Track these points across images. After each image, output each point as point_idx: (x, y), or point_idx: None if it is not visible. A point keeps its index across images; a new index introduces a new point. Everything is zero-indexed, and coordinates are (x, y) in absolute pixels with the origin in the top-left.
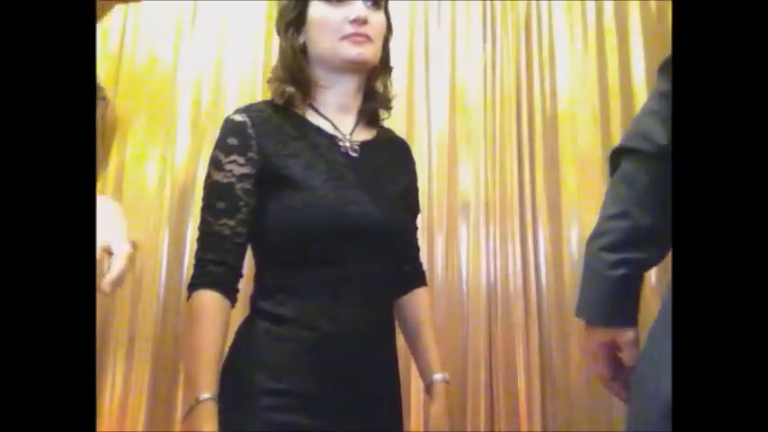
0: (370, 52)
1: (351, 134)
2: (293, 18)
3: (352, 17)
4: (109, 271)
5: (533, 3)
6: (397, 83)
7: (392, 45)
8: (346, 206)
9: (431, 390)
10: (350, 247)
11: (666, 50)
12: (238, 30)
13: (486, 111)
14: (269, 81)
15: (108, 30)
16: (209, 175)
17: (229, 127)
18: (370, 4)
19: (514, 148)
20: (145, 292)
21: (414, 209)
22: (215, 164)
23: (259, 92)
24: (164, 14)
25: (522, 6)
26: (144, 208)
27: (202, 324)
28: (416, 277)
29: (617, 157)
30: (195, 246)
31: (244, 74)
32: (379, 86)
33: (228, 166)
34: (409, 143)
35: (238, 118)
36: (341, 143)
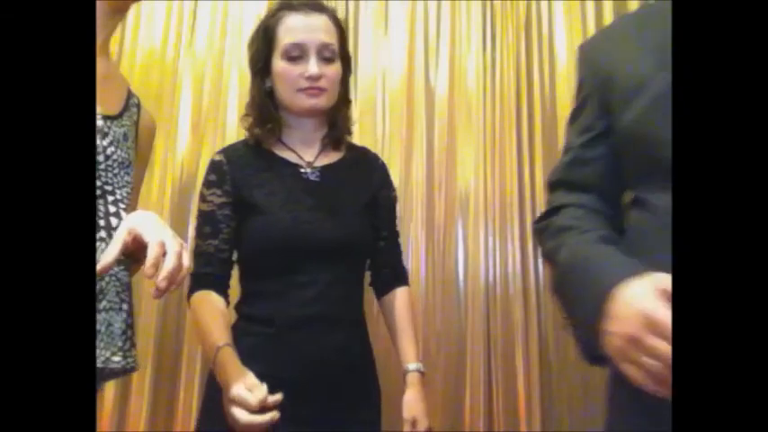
0: (323, 102)
1: (314, 161)
2: (260, 68)
3: (306, 75)
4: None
5: (533, 3)
6: (398, 83)
7: (392, 45)
8: (300, 225)
9: (406, 379)
10: (304, 259)
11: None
12: (239, 29)
13: (486, 111)
14: (243, 117)
15: None
16: (198, 207)
17: (210, 166)
18: (323, 59)
19: (514, 147)
20: (146, 292)
21: (386, 217)
22: (201, 197)
23: None
24: (164, 14)
25: (522, 6)
26: (144, 208)
27: (203, 307)
28: (396, 278)
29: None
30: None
31: (244, 73)
32: (341, 116)
33: (210, 198)
34: (409, 143)
35: (217, 158)
36: (302, 170)
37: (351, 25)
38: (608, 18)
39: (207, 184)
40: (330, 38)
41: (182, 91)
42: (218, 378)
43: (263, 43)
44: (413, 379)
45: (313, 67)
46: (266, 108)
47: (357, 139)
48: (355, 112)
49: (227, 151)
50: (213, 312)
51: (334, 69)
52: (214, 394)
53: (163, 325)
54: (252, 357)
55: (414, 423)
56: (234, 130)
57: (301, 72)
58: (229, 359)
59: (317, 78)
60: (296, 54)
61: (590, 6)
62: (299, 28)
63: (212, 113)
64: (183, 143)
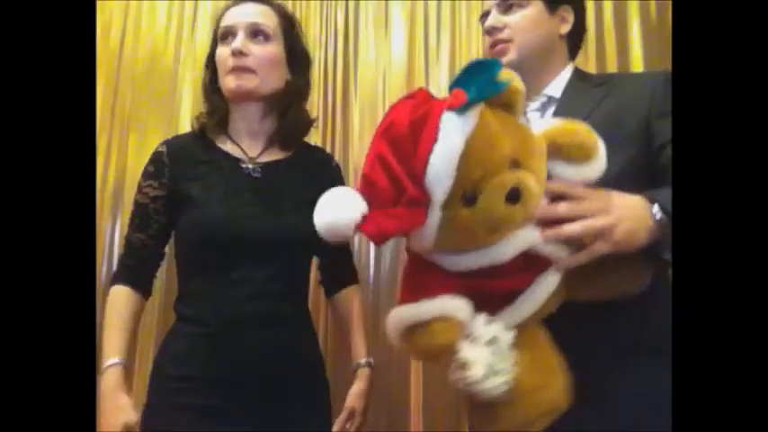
0: (250, 83)
1: (258, 157)
2: (207, 58)
3: (231, 50)
4: None
5: None
6: (398, 83)
7: (392, 45)
8: (237, 221)
9: (355, 372)
10: (240, 255)
11: (666, 51)
12: None
13: None
14: (195, 117)
15: (108, 28)
16: (134, 196)
17: (151, 156)
18: (253, 38)
19: None
20: None
21: None
22: (138, 187)
23: None
24: (164, 13)
25: None
26: None
27: (110, 310)
28: (347, 277)
29: None
30: None
31: None
32: (292, 111)
33: (145, 190)
34: None
35: (159, 149)
36: (243, 165)
37: (351, 25)
38: (608, 18)
39: (145, 175)
40: (263, 20)
41: (182, 91)
42: (101, 393)
43: (212, 38)
44: (362, 374)
45: (237, 42)
46: (212, 98)
47: (357, 139)
48: (355, 112)
49: (170, 143)
50: (118, 317)
51: (267, 50)
52: (148, 416)
53: (164, 326)
54: (187, 359)
55: (350, 414)
56: None
57: (230, 50)
58: (107, 385)
59: (238, 53)
60: (226, 37)
61: (590, 7)
62: (232, 14)
63: None
64: None
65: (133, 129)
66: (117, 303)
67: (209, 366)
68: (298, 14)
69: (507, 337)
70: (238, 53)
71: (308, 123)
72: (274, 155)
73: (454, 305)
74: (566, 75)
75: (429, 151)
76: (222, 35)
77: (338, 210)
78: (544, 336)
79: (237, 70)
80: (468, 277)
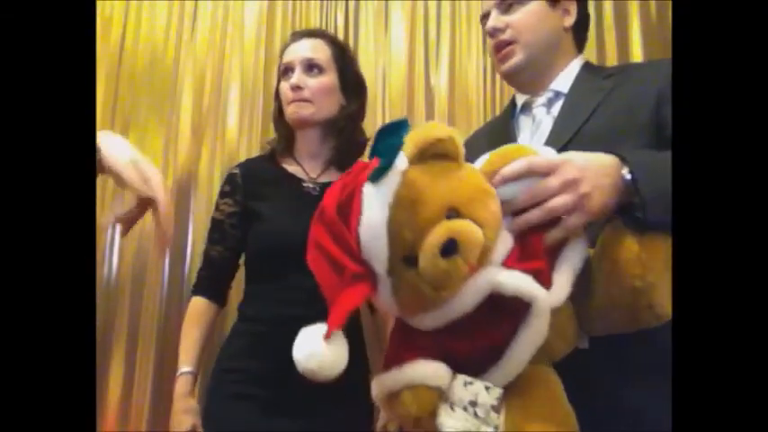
0: (307, 112)
1: (318, 177)
2: (275, 92)
3: (290, 85)
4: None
5: None
6: (398, 83)
7: (392, 44)
8: (294, 233)
9: None
10: (290, 263)
11: (666, 50)
12: (239, 29)
13: (486, 111)
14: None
15: (108, 28)
16: (212, 214)
17: (227, 178)
18: (307, 72)
19: None
20: (147, 290)
21: None
22: (215, 204)
23: (260, 90)
24: (164, 13)
25: None
26: None
27: (188, 320)
28: None
29: None
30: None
31: (244, 74)
32: (347, 134)
33: (222, 207)
34: None
35: (234, 170)
36: (305, 185)
37: (351, 25)
38: (609, 18)
39: (221, 194)
40: (316, 54)
41: (182, 91)
42: (174, 394)
43: (277, 73)
44: None
45: (294, 78)
46: (279, 125)
47: None
48: None
49: (243, 165)
50: (190, 330)
51: (320, 81)
52: (209, 404)
53: (165, 324)
54: (242, 355)
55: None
56: (234, 130)
57: (289, 86)
58: (182, 389)
59: (295, 88)
60: (286, 72)
61: (590, 7)
62: (290, 51)
63: (212, 113)
64: (183, 143)
65: (133, 129)
66: (194, 314)
67: (264, 361)
68: (298, 14)
69: (489, 398)
70: (296, 87)
71: (362, 144)
72: (333, 175)
73: (425, 372)
74: (574, 68)
75: (357, 226)
76: (283, 71)
77: (306, 350)
78: (548, 387)
79: (296, 101)
80: (442, 337)
